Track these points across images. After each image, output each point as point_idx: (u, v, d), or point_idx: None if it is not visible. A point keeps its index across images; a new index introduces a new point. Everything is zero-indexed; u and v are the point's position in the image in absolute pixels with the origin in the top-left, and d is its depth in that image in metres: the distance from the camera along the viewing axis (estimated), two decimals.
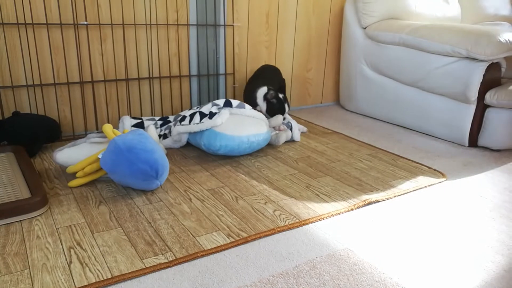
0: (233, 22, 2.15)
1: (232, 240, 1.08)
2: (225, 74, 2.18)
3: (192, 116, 1.69)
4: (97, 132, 1.91)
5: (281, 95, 1.95)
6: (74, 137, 1.84)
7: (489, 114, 1.84)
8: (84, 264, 0.96)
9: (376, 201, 1.35)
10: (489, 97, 1.80)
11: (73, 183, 1.36)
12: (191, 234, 1.11)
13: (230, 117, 1.67)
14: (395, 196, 1.40)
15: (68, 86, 1.80)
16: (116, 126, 1.96)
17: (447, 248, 1.10)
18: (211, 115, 1.65)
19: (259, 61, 2.31)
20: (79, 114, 1.86)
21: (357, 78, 2.39)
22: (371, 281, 0.96)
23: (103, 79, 1.87)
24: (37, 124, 1.62)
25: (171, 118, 1.92)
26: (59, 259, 0.98)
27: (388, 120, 2.28)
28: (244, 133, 1.60)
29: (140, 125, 1.87)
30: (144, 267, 0.96)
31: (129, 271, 0.94)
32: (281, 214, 1.23)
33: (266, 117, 1.94)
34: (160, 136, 1.81)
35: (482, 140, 1.89)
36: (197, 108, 1.76)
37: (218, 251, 1.04)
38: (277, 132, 1.80)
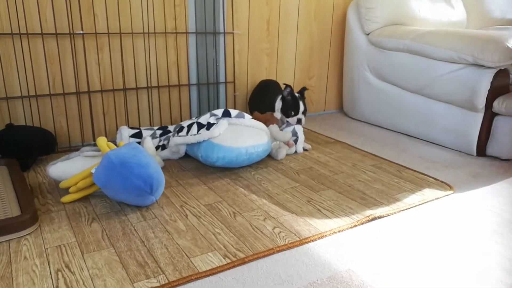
0: (233, 30, 2.10)
1: (229, 261, 1.03)
2: (225, 82, 2.13)
3: (189, 127, 1.64)
4: (93, 145, 1.86)
5: (297, 94, 1.92)
6: (70, 149, 1.80)
7: (498, 122, 1.78)
8: None
9: (380, 217, 1.29)
10: (498, 105, 1.74)
11: (66, 198, 1.31)
12: (186, 254, 1.06)
13: (229, 128, 1.62)
14: (400, 211, 1.34)
15: (64, 97, 1.76)
16: (113, 137, 1.91)
17: (453, 266, 1.04)
18: (209, 125, 1.60)
19: (260, 69, 2.27)
20: (76, 125, 1.82)
21: (360, 85, 2.34)
22: None
23: (100, 89, 1.83)
24: (31, 137, 1.58)
25: (171, 128, 1.88)
26: (45, 283, 0.93)
27: (393, 128, 2.22)
28: (242, 144, 1.55)
29: (138, 135, 1.83)
30: None
31: None
32: (280, 231, 1.18)
33: (284, 117, 1.91)
34: (158, 147, 1.77)
35: (490, 149, 1.82)
36: (195, 118, 1.71)
37: (213, 273, 0.99)
38: (279, 144, 1.75)
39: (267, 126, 1.79)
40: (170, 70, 1.98)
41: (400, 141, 2.07)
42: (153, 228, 1.18)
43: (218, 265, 1.01)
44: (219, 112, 1.66)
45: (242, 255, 1.06)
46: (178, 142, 1.62)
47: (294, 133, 1.85)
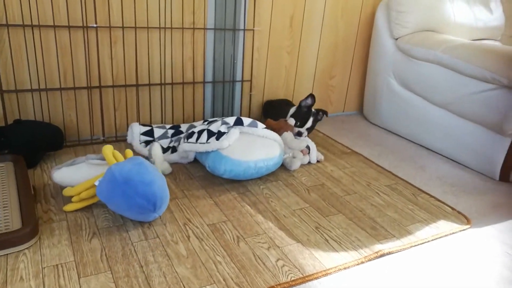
0: (253, 26, 2.00)
1: None
2: (242, 81, 2.06)
3: (200, 133, 1.59)
4: (102, 141, 1.83)
5: (313, 110, 1.85)
6: (79, 143, 1.77)
7: None
8: None
9: (390, 253, 1.24)
10: None
11: (68, 207, 1.28)
12: (184, 286, 1.03)
13: (240, 137, 1.56)
14: (411, 247, 1.28)
15: (74, 91, 1.72)
16: (124, 132, 1.87)
17: None
18: (219, 135, 1.54)
19: (280, 67, 2.17)
20: (85, 119, 1.78)
21: (383, 91, 2.23)
22: None
23: (112, 84, 1.77)
24: (38, 133, 1.55)
25: (183, 127, 1.83)
26: None
27: (412, 139, 2.13)
28: (252, 157, 1.49)
29: (150, 133, 1.79)
30: None
31: None
32: (284, 265, 1.14)
33: (295, 122, 1.83)
34: (169, 148, 1.72)
35: None
36: (207, 124, 1.65)
37: None
38: (291, 155, 1.68)
39: (281, 134, 1.72)
40: (186, 67, 1.91)
41: (419, 156, 1.98)
42: (154, 251, 1.15)
43: None
44: (231, 120, 1.60)
45: None
46: (187, 149, 1.57)
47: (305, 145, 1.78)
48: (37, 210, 1.29)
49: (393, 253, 1.24)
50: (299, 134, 1.81)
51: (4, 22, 1.52)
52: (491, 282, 1.15)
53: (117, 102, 1.82)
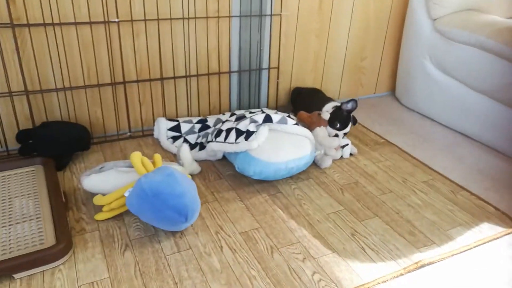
0: (281, 11, 1.89)
1: None
2: (269, 68, 1.97)
3: (228, 132, 1.54)
4: (129, 134, 1.80)
5: (353, 116, 1.75)
6: (106, 139, 1.75)
7: None
8: None
9: (431, 263, 1.19)
10: None
11: (100, 216, 1.28)
12: None
13: (269, 135, 1.50)
14: (452, 255, 1.22)
15: (98, 88, 1.68)
16: (150, 126, 1.84)
17: None
18: (248, 134, 1.48)
19: (308, 51, 2.07)
20: (111, 115, 1.75)
21: (418, 73, 2.10)
22: None
23: (136, 79, 1.72)
24: (65, 135, 1.53)
25: (210, 121, 1.78)
26: None
27: (449, 125, 2.02)
28: (282, 158, 1.44)
29: (177, 129, 1.75)
30: None
31: None
32: (320, 279, 1.10)
33: (336, 124, 1.69)
34: (196, 144, 1.69)
35: None
36: (235, 121, 1.59)
37: None
38: (323, 153, 1.62)
39: (313, 128, 1.65)
40: (211, 57, 1.84)
41: (456, 144, 1.88)
42: (187, 264, 1.13)
43: None
44: (260, 118, 1.54)
45: None
46: (215, 148, 1.52)
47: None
48: (69, 219, 1.28)
49: (433, 263, 1.19)
50: (336, 137, 1.70)
51: (25, 22, 1.47)
52: None
53: (142, 97, 1.78)
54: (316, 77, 2.17)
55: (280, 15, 1.90)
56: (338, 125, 1.68)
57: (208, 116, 1.85)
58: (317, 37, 2.06)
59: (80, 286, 1.05)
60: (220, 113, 1.94)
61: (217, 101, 1.94)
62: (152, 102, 1.80)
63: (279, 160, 1.43)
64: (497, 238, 1.31)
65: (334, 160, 1.69)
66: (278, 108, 2.10)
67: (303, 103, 1.96)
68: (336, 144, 1.63)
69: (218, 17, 1.77)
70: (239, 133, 1.51)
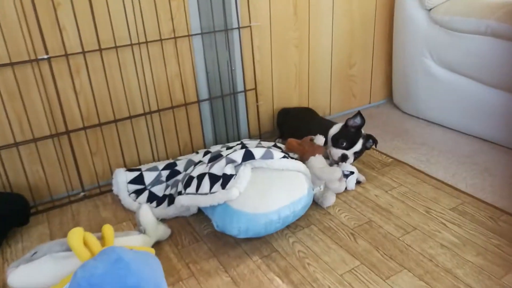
0: (250, 22, 1.59)
1: None
2: (245, 90, 1.66)
3: (200, 179, 1.21)
4: (83, 194, 1.46)
5: (363, 132, 1.42)
6: (54, 204, 1.41)
7: None
8: None
9: None
10: None
11: None
12: None
13: (253, 177, 1.17)
14: None
15: (35, 144, 1.35)
16: (109, 179, 1.50)
17: None
18: (225, 179, 1.16)
19: (288, 65, 1.77)
20: (57, 173, 1.42)
21: (419, 75, 1.81)
22: None
23: (82, 125, 1.40)
24: None
25: (180, 165, 1.45)
26: None
27: (463, 130, 1.72)
28: (273, 206, 1.11)
29: (139, 180, 1.42)
30: None
31: None
32: None
33: (341, 142, 1.39)
34: (165, 197, 1.35)
35: None
36: (208, 166, 1.26)
37: None
38: (321, 189, 1.29)
39: (307, 159, 1.33)
40: (173, 86, 1.52)
41: (479, 152, 1.57)
42: None
43: None
44: (238, 155, 1.21)
45: None
46: (185, 203, 1.19)
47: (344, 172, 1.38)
48: None
49: None
50: (343, 158, 1.38)
51: None
52: None
53: (94, 146, 1.45)
54: (302, 94, 1.86)
55: (250, 26, 1.60)
56: (344, 143, 1.37)
57: (179, 158, 1.52)
58: (296, 48, 1.76)
59: None
60: (193, 152, 1.61)
61: (187, 138, 1.62)
62: (107, 150, 1.47)
63: (269, 210, 1.11)
64: None
65: (338, 194, 1.37)
66: (262, 136, 1.78)
67: (292, 126, 1.65)
68: (338, 175, 1.30)
69: (175, 37, 1.46)
70: (213, 179, 1.18)
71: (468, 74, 1.59)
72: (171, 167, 1.44)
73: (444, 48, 1.64)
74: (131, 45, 1.39)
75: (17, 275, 0.97)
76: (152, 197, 1.38)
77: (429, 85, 1.78)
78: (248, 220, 1.09)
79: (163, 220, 1.27)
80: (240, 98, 1.67)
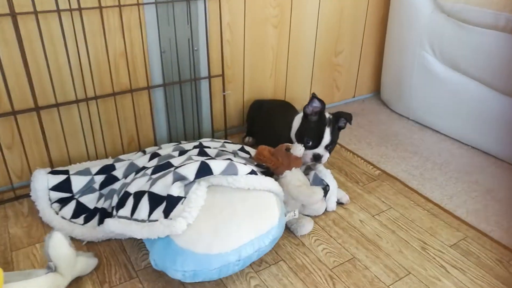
0: None
1: None
2: (209, 77, 1.35)
3: (137, 198, 0.91)
4: None
5: (328, 115, 1.15)
6: None
7: None
8: None
9: None
10: None
11: None
12: None
13: (209, 199, 0.90)
14: None
15: None
16: (29, 181, 1.18)
17: None
18: (170, 203, 0.87)
19: (264, 49, 1.47)
20: None
21: (415, 70, 1.55)
22: None
23: None
24: None
25: (118, 169, 1.14)
26: None
27: (461, 139, 1.49)
28: (232, 244, 0.84)
29: (65, 186, 1.11)
30: None
31: None
32: None
33: (306, 142, 1.13)
34: (96, 210, 1.05)
35: None
36: (150, 175, 0.97)
37: None
38: (295, 214, 1.02)
39: (281, 173, 1.06)
40: (117, 68, 1.20)
41: (481, 169, 1.34)
42: None
43: None
44: (190, 170, 0.92)
45: None
46: (115, 230, 0.90)
47: (319, 181, 1.11)
48: None
49: None
50: (316, 158, 1.13)
51: None
52: None
53: (8, 138, 1.13)
54: (278, 83, 1.57)
55: None
56: (310, 142, 1.12)
57: (120, 158, 1.22)
58: (275, 28, 1.46)
59: None
60: (140, 150, 1.30)
61: (133, 132, 1.31)
62: (23, 145, 1.15)
63: (226, 249, 0.83)
64: None
65: (315, 217, 1.10)
66: (228, 131, 1.49)
67: (265, 123, 1.36)
68: (319, 197, 1.04)
69: (120, 5, 1.13)
70: (154, 201, 0.89)
71: (476, 75, 1.34)
72: (107, 171, 1.14)
73: (450, 42, 1.38)
74: (58, 11, 1.05)
75: None
76: (80, 210, 1.07)
77: (426, 83, 1.53)
78: (197, 262, 0.81)
79: (90, 243, 0.98)
80: (203, 85, 1.36)
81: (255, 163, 1.10)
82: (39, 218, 1.07)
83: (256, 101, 1.48)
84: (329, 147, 1.14)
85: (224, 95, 1.41)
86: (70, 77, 1.13)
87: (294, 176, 1.05)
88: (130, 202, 0.92)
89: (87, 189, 1.11)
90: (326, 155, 1.14)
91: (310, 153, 1.13)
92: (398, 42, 1.60)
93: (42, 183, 1.09)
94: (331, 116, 1.15)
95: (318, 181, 1.10)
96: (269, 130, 1.31)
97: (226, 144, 1.24)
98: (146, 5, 1.17)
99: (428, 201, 1.19)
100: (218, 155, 1.12)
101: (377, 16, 1.70)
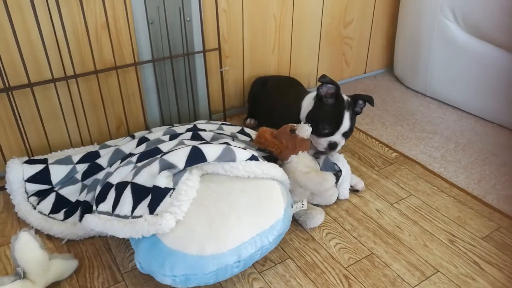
0: None
1: None
2: (204, 51, 1.21)
3: (120, 190, 0.79)
4: None
5: (346, 97, 1.01)
6: None
7: None
8: None
9: None
10: None
11: None
12: None
13: (202, 190, 0.77)
14: None
15: None
16: (2, 172, 1.06)
17: None
18: (156, 196, 0.74)
19: (266, 18, 1.32)
20: None
21: (433, 40, 1.40)
22: None
23: None
24: None
25: (103, 156, 1.01)
26: None
27: (485, 116, 1.34)
28: (230, 243, 0.71)
29: (43, 177, 0.99)
30: None
31: None
32: None
33: (322, 128, 0.98)
34: (77, 206, 0.93)
35: None
36: (135, 163, 0.84)
37: None
38: (302, 205, 0.88)
39: (286, 158, 0.93)
40: (99, 41, 1.06)
41: (510, 149, 1.20)
42: None
43: None
44: (179, 156, 0.79)
45: None
46: (95, 228, 0.77)
47: (330, 165, 0.98)
48: None
49: None
50: (331, 147, 0.98)
51: None
52: None
53: None
54: (282, 58, 1.42)
55: None
56: (327, 129, 0.97)
57: (107, 144, 1.09)
58: None
59: None
60: (128, 135, 1.17)
61: (121, 114, 1.17)
62: None
63: (223, 250, 0.70)
64: None
65: (326, 207, 0.97)
66: (227, 113, 1.35)
67: (270, 102, 1.21)
68: (330, 184, 0.90)
69: None
70: (138, 193, 0.77)
71: (503, 43, 1.19)
72: (90, 159, 1.01)
73: (475, 5, 1.22)
74: None
75: None
76: (60, 203, 0.95)
77: (446, 54, 1.37)
78: (189, 266, 0.69)
79: (71, 242, 0.86)
80: (198, 61, 1.22)
81: (256, 147, 0.96)
82: (15, 213, 0.95)
83: (259, 78, 1.33)
84: (347, 134, 1.00)
85: (221, 72, 1.27)
86: (44, 53, 0.99)
87: (301, 161, 0.91)
88: (111, 195, 0.79)
89: (68, 180, 0.99)
90: (342, 143, 0.99)
91: (325, 141, 0.98)
92: (414, 8, 1.44)
93: (17, 174, 0.97)
94: (349, 99, 1.00)
95: (329, 166, 0.97)
96: (274, 111, 1.17)
97: (223, 126, 1.10)
98: None
99: (453, 187, 1.05)
100: (214, 138, 0.99)
101: None
